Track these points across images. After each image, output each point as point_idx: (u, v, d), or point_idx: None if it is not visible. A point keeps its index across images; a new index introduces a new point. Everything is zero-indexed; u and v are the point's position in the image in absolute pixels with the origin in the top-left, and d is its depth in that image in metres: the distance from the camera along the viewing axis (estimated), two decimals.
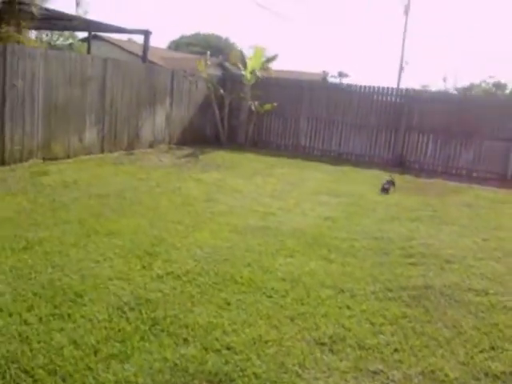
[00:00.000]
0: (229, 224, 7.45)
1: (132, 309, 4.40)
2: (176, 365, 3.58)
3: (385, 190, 11.32)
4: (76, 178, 9.58)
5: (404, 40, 31.88)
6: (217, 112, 16.84)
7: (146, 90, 14.16)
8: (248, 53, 17.22)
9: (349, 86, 17.53)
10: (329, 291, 5.25)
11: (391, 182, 11.59)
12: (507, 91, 28.75)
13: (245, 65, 16.97)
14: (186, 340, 3.96)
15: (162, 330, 4.07)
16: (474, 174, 16.19)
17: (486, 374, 3.95)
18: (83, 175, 9.93)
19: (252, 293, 5.02)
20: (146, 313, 4.34)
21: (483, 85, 32.31)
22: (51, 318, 4.11)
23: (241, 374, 3.56)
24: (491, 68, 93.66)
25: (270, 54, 17.79)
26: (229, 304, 4.70)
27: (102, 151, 12.76)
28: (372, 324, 4.59)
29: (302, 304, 4.86)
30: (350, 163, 16.16)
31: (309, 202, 9.64)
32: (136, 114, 13.90)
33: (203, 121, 17.14)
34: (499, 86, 31.43)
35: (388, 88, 17.56)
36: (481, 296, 5.52)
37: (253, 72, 16.83)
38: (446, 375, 3.85)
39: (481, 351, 4.30)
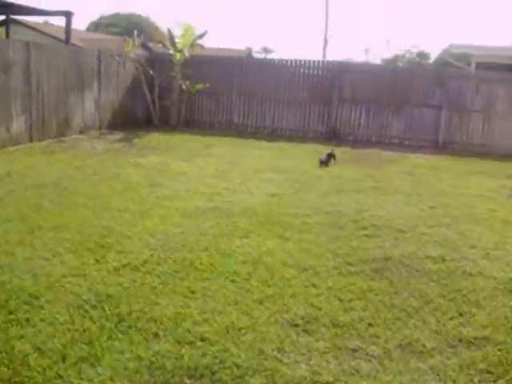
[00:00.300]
0: (177, 208, 7.23)
1: (94, 306, 4.16)
2: (152, 363, 3.39)
3: (323, 163, 11.34)
4: (8, 169, 9.06)
5: (327, 13, 32.05)
6: (147, 93, 16.37)
7: (73, 74, 13.56)
8: (176, 31, 16.70)
9: (280, 61, 17.39)
10: (292, 270, 5.16)
11: (331, 155, 11.62)
12: (431, 60, 29.41)
13: (173, 44, 16.52)
14: (156, 335, 3.77)
15: (130, 327, 3.86)
16: (407, 143, 16.50)
17: (460, 341, 3.97)
18: (15, 167, 9.41)
19: (215, 278, 4.86)
20: (110, 309, 4.11)
21: (407, 55, 32.98)
22: (9, 325, 3.81)
23: (221, 365, 3.42)
24: (414, 39, 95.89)
25: (197, 31, 17.36)
26: (194, 292, 4.53)
27: (31, 140, 12.15)
28: (341, 300, 4.54)
29: (268, 286, 4.75)
30: (285, 139, 16.13)
31: (253, 180, 9.52)
32: (64, 100, 13.30)
33: (133, 103, 16.65)
34: (423, 55, 32.18)
35: (319, 61, 17.61)
36: (439, 263, 5.58)
37: (182, 51, 16.42)
38: (424, 346, 3.84)
39: (450, 318, 4.33)
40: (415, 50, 33.02)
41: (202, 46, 17.18)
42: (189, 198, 7.90)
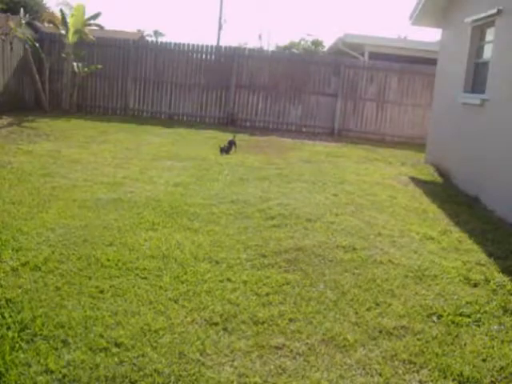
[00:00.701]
0: (76, 200, 6.80)
1: None
2: (65, 375, 3.07)
3: (224, 151, 11.19)
4: None
5: None
6: (36, 76, 15.44)
7: None
8: (67, 11, 15.85)
9: (176, 45, 16.98)
10: (204, 264, 4.95)
11: (232, 142, 11.48)
12: (325, 49, 29.98)
13: (65, 24, 15.66)
14: (65, 342, 3.43)
15: (35, 335, 3.49)
16: (304, 130, 16.75)
17: (381, 332, 3.95)
18: None
19: (124, 276, 4.56)
20: (11, 316, 3.70)
21: (302, 43, 33.42)
22: None
23: (141, 373, 3.15)
24: (307, 27, 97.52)
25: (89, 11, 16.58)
26: (103, 292, 4.21)
27: None
28: (258, 295, 4.39)
29: (182, 282, 4.52)
30: (182, 124, 15.84)
31: (153, 168, 9.20)
32: None
33: (21, 86, 15.65)
34: (317, 43, 32.75)
35: (215, 46, 17.45)
36: (350, 252, 5.58)
37: (74, 32, 15.61)
38: (346, 339, 3.77)
39: (368, 309, 4.31)
40: (310, 38, 33.54)
41: (101, 27, 16.45)
42: (87, 188, 7.46)
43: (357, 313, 4.24)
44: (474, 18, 10.19)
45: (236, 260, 5.13)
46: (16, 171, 8.10)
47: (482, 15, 9.82)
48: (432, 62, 16.52)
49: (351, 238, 6.08)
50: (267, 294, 4.42)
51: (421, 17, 12.72)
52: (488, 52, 10.06)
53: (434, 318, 4.24)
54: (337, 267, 5.16)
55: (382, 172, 10.56)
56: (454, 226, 7.02)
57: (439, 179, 10.62)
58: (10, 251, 4.90)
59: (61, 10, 15.96)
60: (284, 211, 6.92)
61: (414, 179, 10.26)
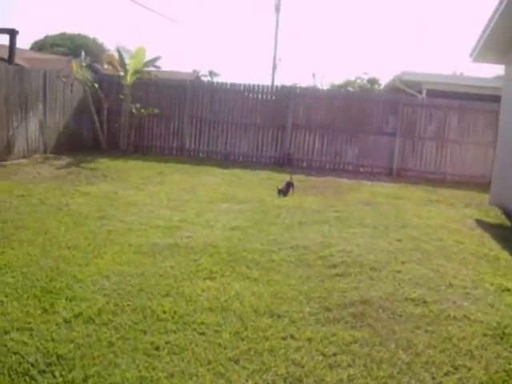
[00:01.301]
0: (131, 244, 6.64)
1: (42, 371, 3.53)
2: None
3: (282, 193, 10.94)
4: None
5: (276, 37, 32.01)
6: (95, 116, 15.71)
7: (16, 95, 12.79)
8: (126, 53, 16.09)
9: (232, 85, 17.02)
10: (265, 319, 4.65)
11: (290, 184, 11.24)
12: (381, 87, 29.70)
13: (123, 65, 15.92)
14: None
15: None
16: (362, 170, 16.40)
17: None
18: None
19: (181, 331, 4.31)
20: (62, 374, 3.50)
21: (358, 81, 33.24)
22: None
23: None
24: (362, 65, 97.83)
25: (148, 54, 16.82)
26: (158, 349, 3.97)
27: None
28: (324, 355, 4.06)
29: (242, 339, 4.23)
30: (238, 165, 15.73)
31: (210, 211, 9.01)
32: (5, 122, 12.50)
33: (81, 126, 15.94)
34: (373, 81, 32.47)
35: (271, 86, 17.40)
36: (421, 306, 5.18)
37: (133, 73, 15.85)
38: None
39: (446, 374, 3.91)
40: (366, 76, 33.32)
41: (158, 67, 16.68)
42: (143, 232, 7.31)
43: (434, 378, 3.85)
44: None
45: (299, 314, 4.81)
46: (73, 214, 8.05)
47: None
48: (491, 98, 16.07)
49: (420, 289, 5.67)
50: (334, 354, 4.08)
51: (482, 53, 12.34)
52: None
53: None
54: (407, 323, 4.78)
55: (446, 214, 10.08)
56: None
57: (507, 222, 10.06)
58: (63, 301, 4.74)
59: (118, 52, 16.20)
60: (347, 258, 6.57)
61: (479, 222, 9.75)
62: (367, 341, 4.36)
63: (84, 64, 15.68)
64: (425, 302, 5.30)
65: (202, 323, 4.46)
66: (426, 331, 4.64)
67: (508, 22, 10.84)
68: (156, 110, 16.14)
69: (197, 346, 4.06)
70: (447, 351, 4.27)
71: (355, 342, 4.32)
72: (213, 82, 17.67)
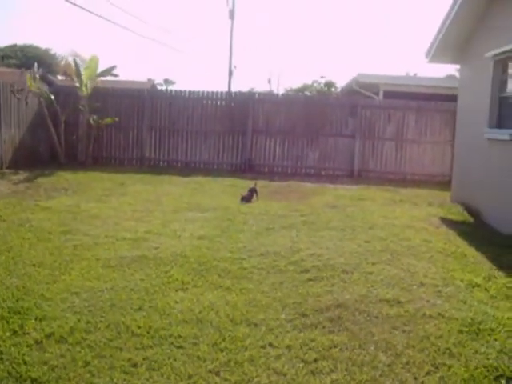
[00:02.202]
0: (99, 259, 6.48)
1: None
2: None
3: (245, 200, 10.88)
4: None
5: (231, 44, 32.01)
6: (52, 129, 15.37)
7: None
8: (80, 63, 15.79)
9: (191, 92, 16.88)
10: (242, 328, 4.58)
11: (253, 190, 11.18)
12: (338, 90, 29.98)
13: (79, 76, 15.63)
14: None
15: None
16: (323, 173, 16.49)
17: None
18: None
19: (158, 345, 4.20)
20: None
21: (315, 85, 33.46)
22: None
23: None
24: (319, 69, 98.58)
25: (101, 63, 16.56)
26: (136, 366, 3.86)
27: None
28: (305, 362, 4.01)
29: (221, 350, 4.15)
30: (200, 172, 15.58)
31: (175, 220, 8.89)
32: None
33: (37, 140, 15.57)
34: (330, 84, 32.77)
35: (230, 93, 17.42)
36: (396, 306, 5.19)
37: (88, 83, 15.59)
38: None
39: (427, 373, 3.93)
40: (322, 80, 33.58)
41: (115, 75, 16.45)
42: (110, 245, 7.15)
43: (416, 378, 3.85)
44: (496, 52, 9.95)
45: (275, 321, 4.76)
46: (35, 229, 7.84)
47: (504, 49, 9.59)
48: (445, 97, 16.38)
49: (393, 289, 5.69)
50: (315, 360, 4.04)
51: (438, 54, 12.51)
52: None
53: (503, 382, 3.83)
54: (384, 324, 4.77)
55: (411, 214, 10.18)
56: (497, 271, 6.60)
57: (470, 219, 10.22)
58: (33, 321, 4.59)
59: (74, 62, 15.86)
60: (318, 262, 6.55)
61: (444, 220, 9.87)
62: (346, 345, 4.34)
63: (37, 76, 15.32)
64: (399, 302, 5.32)
65: (179, 336, 4.37)
66: (404, 331, 4.64)
67: (462, 22, 11.05)
68: (116, 119, 15.89)
69: (175, 360, 3.97)
70: (426, 350, 4.28)
71: (335, 347, 4.29)
72: (171, 91, 17.47)
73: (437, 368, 4.00)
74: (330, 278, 5.99)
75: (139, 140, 16.86)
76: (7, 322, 4.52)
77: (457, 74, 30.57)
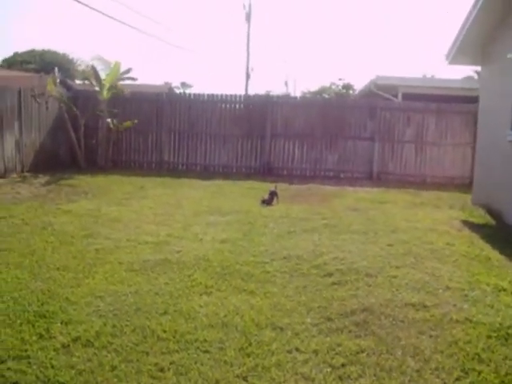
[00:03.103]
0: (122, 262, 6.49)
1: None
2: None
3: (265, 203, 10.86)
4: None
5: (248, 47, 32.06)
6: (72, 133, 15.48)
7: None
8: (99, 68, 15.87)
9: (209, 96, 16.91)
10: (268, 332, 4.56)
11: (274, 193, 11.16)
12: (356, 92, 29.90)
13: (99, 80, 15.72)
14: None
15: None
16: (342, 175, 16.43)
17: None
18: None
19: (184, 350, 4.19)
20: None
21: (333, 87, 33.40)
22: None
23: None
24: (336, 71, 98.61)
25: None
26: (163, 371, 3.85)
27: None
28: (333, 367, 3.98)
29: (247, 355, 4.13)
30: (219, 176, 15.60)
31: (196, 224, 8.89)
32: None
33: (57, 144, 15.71)
34: (348, 87, 32.68)
35: (248, 96, 17.45)
36: (422, 311, 5.14)
37: (109, 88, 15.67)
38: None
39: (457, 379, 3.88)
40: (340, 82, 33.52)
41: (133, 79, 16.51)
42: (132, 248, 7.17)
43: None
44: None
45: (301, 325, 4.73)
46: (58, 233, 7.88)
47: None
48: (466, 99, 16.24)
49: (418, 293, 5.63)
50: (343, 365, 4.00)
51: (458, 56, 12.43)
52: None
53: None
54: (411, 329, 4.72)
55: (433, 217, 10.09)
56: None
57: (492, 221, 10.10)
58: (59, 324, 4.60)
59: (93, 67, 15.95)
60: (341, 266, 6.51)
61: (466, 223, 9.77)
62: (373, 349, 4.30)
63: (58, 80, 15.44)
64: (425, 306, 5.26)
65: (205, 341, 4.35)
66: (431, 336, 4.59)
67: (483, 22, 10.95)
68: (135, 121, 15.94)
69: (202, 365, 3.95)
70: (455, 356, 4.23)
71: (362, 352, 4.25)
72: (189, 94, 17.50)
73: (466, 374, 3.95)
74: (354, 282, 5.94)
75: (158, 144, 16.93)
76: (33, 326, 4.53)
77: (475, 76, 30.35)
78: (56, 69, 15.92)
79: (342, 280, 6.02)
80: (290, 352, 4.21)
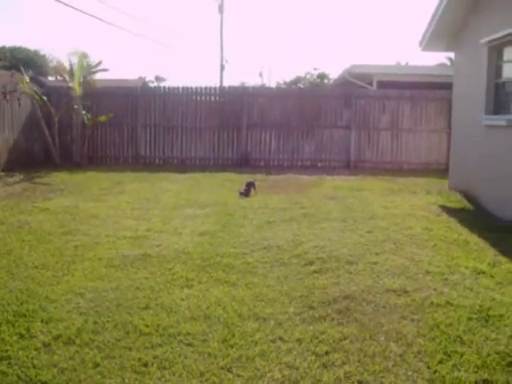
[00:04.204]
0: (101, 258, 6.43)
1: None
2: None
3: (243, 194, 10.85)
4: None
5: (222, 38, 31.92)
6: (46, 130, 15.28)
7: None
8: (73, 62, 15.70)
9: (184, 88, 16.79)
10: (251, 323, 4.55)
11: (251, 184, 11.13)
12: (331, 81, 29.93)
13: (72, 75, 15.52)
14: None
15: None
16: (320, 165, 16.47)
17: None
18: None
19: (167, 344, 4.16)
20: None
21: (308, 77, 33.40)
22: None
23: None
24: (311, 61, 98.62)
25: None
26: (147, 365, 3.82)
27: None
28: (317, 355, 3.98)
29: (231, 346, 4.11)
30: (196, 168, 15.54)
31: (175, 217, 8.84)
32: None
33: (31, 141, 15.49)
34: (323, 76, 32.70)
35: (223, 87, 17.37)
36: (403, 296, 5.17)
37: (81, 82, 15.49)
38: None
39: (440, 362, 3.89)
40: (315, 72, 33.50)
41: (105, 69, 16.37)
42: (111, 244, 7.10)
43: (429, 367, 3.82)
44: (490, 38, 9.93)
45: (284, 315, 4.72)
46: (35, 231, 7.78)
47: (498, 35, 9.56)
48: (440, 86, 16.36)
49: (399, 278, 5.67)
50: (327, 353, 4.01)
51: (431, 42, 12.47)
52: (509, 71, 9.78)
53: None
54: (393, 314, 4.75)
55: (410, 203, 10.16)
56: (501, 256, 6.60)
57: (469, 206, 10.21)
58: (39, 323, 4.54)
59: (69, 61, 15.78)
60: (321, 254, 6.53)
61: (443, 208, 9.86)
62: (357, 336, 4.31)
63: (27, 77, 15.19)
64: (406, 291, 5.30)
65: (188, 333, 4.33)
66: (413, 320, 4.62)
67: (455, 9, 11.01)
68: (110, 115, 15.79)
69: (186, 358, 3.93)
70: (437, 339, 4.26)
71: (345, 339, 4.26)
72: (164, 87, 17.34)
73: (449, 356, 3.98)
74: (334, 270, 5.96)
75: (134, 138, 16.79)
76: (13, 326, 4.46)
77: (447, 63, 30.59)
78: (22, 67, 15.63)
79: (322, 268, 6.03)
80: (273, 342, 4.20)
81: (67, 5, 16.93)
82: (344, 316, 4.70)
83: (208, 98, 16.84)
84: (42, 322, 4.56)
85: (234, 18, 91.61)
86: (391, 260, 6.32)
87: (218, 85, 24.54)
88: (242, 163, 16.46)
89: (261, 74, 46.89)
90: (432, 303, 4.98)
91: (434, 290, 5.35)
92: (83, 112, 15.74)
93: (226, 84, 29.12)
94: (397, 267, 6.05)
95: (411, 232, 7.73)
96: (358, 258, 6.37)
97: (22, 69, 15.48)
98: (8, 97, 14.13)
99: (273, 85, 34.17)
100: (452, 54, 14.32)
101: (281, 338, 4.26)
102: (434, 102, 16.39)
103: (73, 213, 9.07)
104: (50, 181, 12.74)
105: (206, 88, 16.81)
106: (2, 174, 13.60)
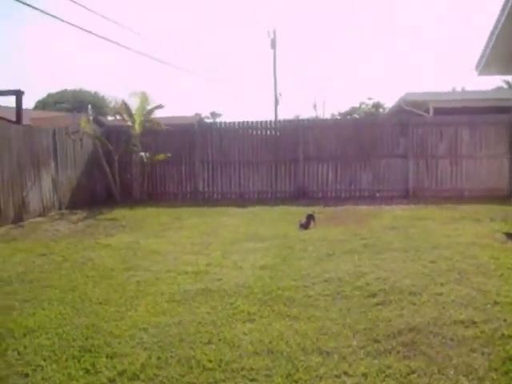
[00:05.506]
0: (163, 293, 6.49)
1: None
2: None
3: (303, 226, 10.80)
4: None
5: (275, 72, 32.27)
6: (107, 169, 15.73)
7: (28, 155, 12.86)
8: (131, 102, 16.16)
9: (240, 123, 17.00)
10: (315, 357, 4.48)
11: (311, 217, 11.09)
12: (386, 110, 29.75)
13: (131, 115, 15.97)
14: None
15: None
16: (378, 195, 16.27)
17: None
18: None
19: (231, 379, 4.13)
20: None
21: (363, 107, 33.32)
22: None
23: None
24: (365, 91, 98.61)
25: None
26: None
27: None
28: None
29: (296, 382, 4.05)
30: (254, 202, 15.62)
31: (235, 251, 8.86)
32: (20, 182, 12.53)
33: (93, 180, 15.97)
34: (378, 106, 32.58)
35: (279, 121, 17.50)
36: (471, 328, 5.00)
37: (140, 122, 15.91)
38: None
39: None
40: (370, 102, 33.43)
41: (161, 106, 16.68)
42: (172, 279, 7.16)
43: None
44: None
45: (348, 348, 4.63)
46: (98, 267, 7.94)
47: None
48: (499, 110, 16.01)
49: (466, 309, 5.49)
50: None
51: (488, 66, 12.27)
52: None
53: None
54: (461, 347, 4.59)
55: (474, 231, 9.89)
56: None
57: None
58: (104, 359, 4.59)
59: (124, 102, 16.23)
60: (384, 286, 6.40)
61: (509, 235, 9.54)
62: (424, 370, 4.18)
63: (91, 118, 15.74)
64: (474, 322, 5.12)
65: (251, 369, 4.29)
66: (483, 353, 4.45)
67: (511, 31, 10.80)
68: (168, 154, 16.13)
69: None
70: (510, 373, 4.09)
71: (413, 373, 4.14)
72: (220, 123, 17.61)
73: None
74: (398, 302, 5.83)
75: (192, 174, 17.04)
76: (79, 361, 4.53)
77: (505, 86, 29.94)
78: (89, 106, 16.21)
79: (385, 300, 5.91)
80: (338, 376, 4.12)
81: (128, 48, 17.42)
82: (410, 349, 4.58)
83: (264, 131, 16.98)
84: (106, 357, 4.61)
85: (287, 52, 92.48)
86: (457, 290, 6.14)
87: (272, 119, 24.75)
88: (300, 195, 16.45)
89: (315, 106, 47.08)
90: (503, 335, 4.80)
91: (504, 321, 5.15)
92: (142, 152, 16.09)
93: (280, 117, 29.37)
94: (463, 298, 5.87)
95: (476, 261, 7.51)
96: (421, 289, 6.21)
97: (89, 108, 16.03)
98: (72, 137, 14.64)
99: (327, 116, 34.31)
100: (510, 77, 14.00)
101: (346, 373, 4.17)
102: (492, 127, 16.02)
103: (134, 248, 9.23)
104: (112, 217, 13.04)
105: (261, 122, 16.97)
106: (65, 211, 14.02)
